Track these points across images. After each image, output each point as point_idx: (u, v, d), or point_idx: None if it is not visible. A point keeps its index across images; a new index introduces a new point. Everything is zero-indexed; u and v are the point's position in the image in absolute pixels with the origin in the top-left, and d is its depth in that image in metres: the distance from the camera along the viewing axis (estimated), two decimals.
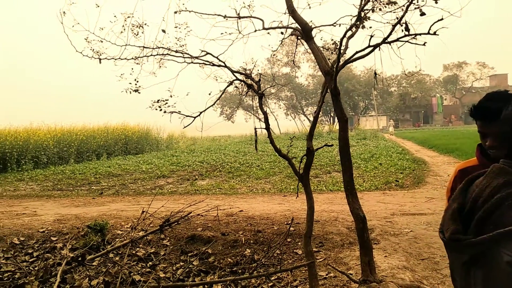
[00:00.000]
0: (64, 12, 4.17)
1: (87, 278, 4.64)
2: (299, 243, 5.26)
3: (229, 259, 5.12)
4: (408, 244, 4.99)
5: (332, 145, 4.27)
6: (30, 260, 5.49)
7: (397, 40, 3.54)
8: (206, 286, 4.58)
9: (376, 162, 14.29)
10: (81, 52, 3.97)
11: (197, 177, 13.13)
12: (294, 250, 5.14)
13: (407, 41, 3.55)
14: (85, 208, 7.96)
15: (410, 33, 3.40)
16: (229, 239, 5.53)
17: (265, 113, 4.29)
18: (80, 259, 4.71)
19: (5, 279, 4.90)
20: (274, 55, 5.96)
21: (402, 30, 3.43)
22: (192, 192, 9.96)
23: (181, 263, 5.18)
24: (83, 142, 21.79)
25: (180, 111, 3.93)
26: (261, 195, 8.99)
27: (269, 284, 4.39)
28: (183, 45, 4.55)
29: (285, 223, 5.95)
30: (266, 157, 17.36)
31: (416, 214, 6.50)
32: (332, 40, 4.75)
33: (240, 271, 4.88)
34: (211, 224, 6.05)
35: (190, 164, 16.40)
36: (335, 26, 4.46)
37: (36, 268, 4.81)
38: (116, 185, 11.93)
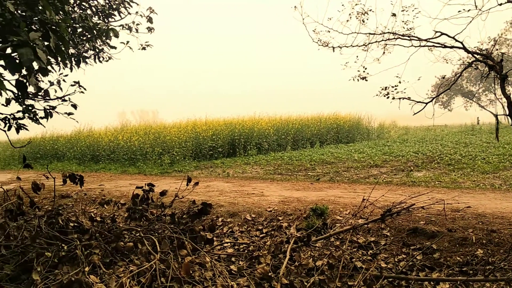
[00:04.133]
0: (295, 7, 4.44)
1: (311, 258, 4.90)
2: None
3: (457, 258, 4.71)
4: None
5: None
6: (260, 236, 6.09)
7: None
8: (431, 283, 4.32)
9: None
10: (317, 42, 4.16)
11: (412, 168, 12.52)
12: None
13: None
14: (304, 192, 8.44)
15: None
16: (456, 236, 5.09)
17: (508, 98, 3.77)
18: (305, 239, 5.01)
19: (240, 249, 5.55)
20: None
21: None
22: (409, 184, 9.54)
23: (403, 256, 5.01)
24: (298, 131, 23.16)
25: (409, 97, 3.76)
26: (491, 191, 8.00)
27: None
28: (410, 28, 4.33)
29: None
30: (492, 149, 15.39)
31: None
32: None
33: (471, 272, 4.44)
34: (435, 218, 5.67)
35: (404, 154, 15.73)
36: None
37: (267, 244, 5.30)
38: (330, 172, 12.30)
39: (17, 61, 3.55)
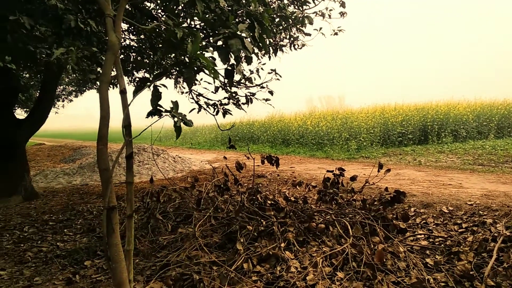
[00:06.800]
0: None
1: None
2: None
3: None
4: None
5: None
6: (459, 230, 5.57)
7: None
8: None
9: None
10: None
11: None
12: None
13: None
14: None
15: None
16: None
17: None
18: None
19: (436, 243, 5.16)
20: None
21: None
22: None
23: None
24: (505, 117, 20.37)
25: None
26: None
27: None
28: None
29: None
30: None
31: None
32: None
33: None
34: None
35: None
36: None
37: (468, 240, 4.82)
38: None
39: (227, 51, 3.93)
